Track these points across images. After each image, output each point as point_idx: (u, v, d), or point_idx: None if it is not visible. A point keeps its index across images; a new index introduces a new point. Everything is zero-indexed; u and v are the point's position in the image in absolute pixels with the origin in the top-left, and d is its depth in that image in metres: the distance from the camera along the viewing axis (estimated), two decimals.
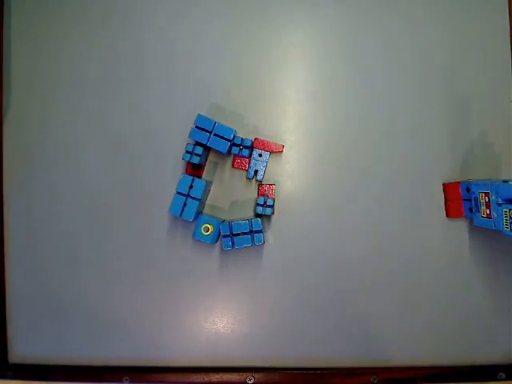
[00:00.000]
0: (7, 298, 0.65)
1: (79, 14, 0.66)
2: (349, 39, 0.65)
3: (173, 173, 0.64)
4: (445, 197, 0.65)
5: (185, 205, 0.59)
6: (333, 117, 0.65)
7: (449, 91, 0.65)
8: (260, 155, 0.63)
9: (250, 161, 0.63)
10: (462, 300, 0.64)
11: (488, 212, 0.58)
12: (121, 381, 0.63)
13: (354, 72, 0.65)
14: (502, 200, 0.55)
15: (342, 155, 0.65)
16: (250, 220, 0.59)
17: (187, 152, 0.60)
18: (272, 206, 0.61)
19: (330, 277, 0.64)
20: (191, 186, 0.59)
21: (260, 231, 0.59)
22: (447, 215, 0.64)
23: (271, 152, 0.63)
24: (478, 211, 0.59)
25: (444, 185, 0.65)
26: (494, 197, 0.56)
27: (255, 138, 0.63)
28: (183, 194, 0.59)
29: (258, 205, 0.60)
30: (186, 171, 0.63)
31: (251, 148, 0.63)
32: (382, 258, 0.64)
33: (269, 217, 0.64)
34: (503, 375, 0.63)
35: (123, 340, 0.65)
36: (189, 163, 0.62)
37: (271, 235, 0.64)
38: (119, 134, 0.65)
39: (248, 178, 0.64)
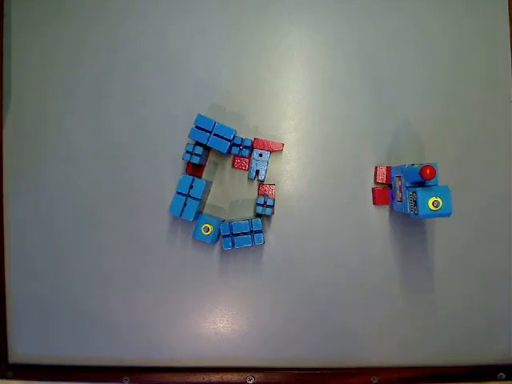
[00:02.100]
0: (7, 298, 0.65)
1: (77, 15, 0.66)
2: (349, 39, 0.65)
3: (173, 173, 0.64)
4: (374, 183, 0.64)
5: (185, 205, 0.58)
6: (333, 117, 0.65)
7: (449, 91, 0.65)
8: (260, 155, 0.63)
9: (250, 161, 0.63)
10: (462, 300, 0.64)
11: (401, 196, 0.57)
12: (121, 381, 0.63)
13: (354, 72, 0.65)
14: (410, 183, 0.55)
15: (342, 155, 0.65)
16: (250, 220, 0.59)
17: (187, 152, 0.60)
18: (272, 206, 0.61)
19: (330, 277, 0.64)
20: (191, 186, 0.59)
21: (260, 231, 0.59)
22: (373, 202, 0.64)
23: (271, 151, 0.63)
24: (396, 196, 0.58)
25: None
26: (404, 180, 0.56)
27: (255, 138, 0.63)
28: (183, 194, 0.59)
29: (258, 205, 0.60)
30: (186, 171, 0.63)
31: (251, 148, 0.63)
32: (382, 258, 0.64)
33: (269, 217, 0.64)
34: (503, 375, 0.63)
35: (123, 340, 0.65)
36: (189, 163, 0.62)
37: (271, 235, 0.64)
38: (119, 134, 0.65)
39: (249, 179, 0.64)
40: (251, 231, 0.59)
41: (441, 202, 0.51)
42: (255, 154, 0.63)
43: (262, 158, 0.63)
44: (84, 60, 0.65)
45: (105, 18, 0.66)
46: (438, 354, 0.64)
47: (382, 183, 0.63)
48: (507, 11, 0.65)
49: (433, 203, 0.51)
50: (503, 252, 0.64)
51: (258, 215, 0.62)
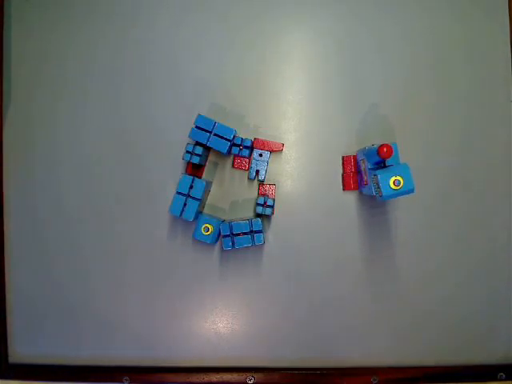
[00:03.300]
0: (7, 298, 0.65)
1: (82, 14, 0.66)
2: (348, 40, 0.65)
3: (173, 173, 0.64)
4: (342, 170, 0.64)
5: (185, 205, 0.58)
6: (333, 117, 0.65)
7: (449, 91, 0.65)
8: (260, 155, 0.63)
9: (250, 161, 0.63)
10: (462, 300, 0.64)
11: (365, 178, 0.57)
12: (121, 381, 0.63)
13: (354, 72, 0.65)
14: (372, 165, 0.55)
15: (342, 155, 0.64)
16: (250, 220, 0.59)
17: (187, 152, 0.60)
18: (272, 206, 0.61)
19: (330, 276, 0.64)
20: (191, 186, 0.59)
21: (260, 231, 0.59)
22: (343, 188, 0.64)
23: (271, 151, 0.63)
24: (363, 179, 0.58)
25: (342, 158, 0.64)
26: (367, 163, 0.56)
27: (255, 138, 0.63)
28: (183, 194, 0.59)
29: (258, 204, 0.60)
30: (186, 171, 0.63)
31: (251, 148, 0.63)
32: (383, 258, 0.64)
33: (269, 217, 0.64)
34: (503, 375, 0.63)
35: (123, 340, 0.65)
36: (189, 163, 0.62)
37: (271, 235, 0.64)
38: (119, 134, 0.65)
39: (249, 179, 0.64)
40: (251, 231, 0.59)
41: (401, 180, 0.51)
42: (255, 154, 0.63)
43: (262, 158, 0.63)
44: (86, 60, 0.65)
45: (110, 19, 0.65)
46: (438, 353, 0.64)
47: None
48: (507, 11, 0.65)
49: (394, 182, 0.51)
50: (503, 252, 0.64)
51: (258, 215, 0.62)
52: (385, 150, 0.50)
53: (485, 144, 0.65)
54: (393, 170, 0.51)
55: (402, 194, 0.52)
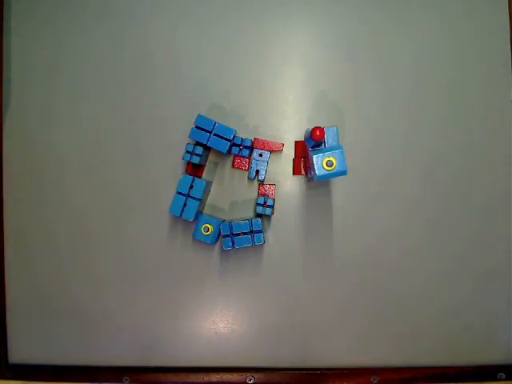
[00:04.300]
0: (7, 298, 0.65)
1: (81, 12, 0.66)
2: (349, 39, 0.65)
3: (173, 173, 0.64)
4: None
5: (185, 205, 0.58)
6: (333, 117, 0.65)
7: (449, 91, 0.65)
8: (260, 155, 0.63)
9: (250, 161, 0.63)
10: (462, 300, 0.64)
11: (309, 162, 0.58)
12: (121, 381, 0.63)
13: (354, 72, 0.65)
14: (311, 148, 0.56)
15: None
16: (250, 220, 0.59)
17: (187, 152, 0.60)
18: (272, 206, 0.61)
19: (330, 276, 0.64)
20: (191, 186, 0.59)
21: (260, 231, 0.59)
22: (292, 173, 0.64)
23: (271, 151, 0.63)
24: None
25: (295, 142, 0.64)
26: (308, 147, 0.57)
27: (255, 138, 0.63)
28: (183, 194, 0.59)
29: (258, 204, 0.60)
30: (186, 171, 0.63)
31: (251, 148, 0.63)
32: (383, 259, 0.64)
33: (269, 217, 0.64)
34: (503, 375, 0.63)
35: (123, 340, 0.65)
36: (189, 163, 0.62)
37: (271, 235, 0.64)
38: (119, 134, 0.65)
39: (249, 179, 0.64)
40: (251, 231, 0.59)
41: (334, 161, 0.52)
42: (255, 154, 0.63)
43: (262, 158, 0.63)
44: (86, 60, 0.65)
45: (109, 18, 0.65)
46: (438, 354, 0.64)
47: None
48: (507, 11, 0.65)
49: (326, 163, 0.52)
50: (504, 251, 0.64)
51: (258, 215, 0.62)
52: (317, 132, 0.52)
53: (485, 144, 0.65)
54: (326, 151, 0.53)
55: (335, 176, 0.53)
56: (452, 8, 0.65)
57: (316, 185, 0.64)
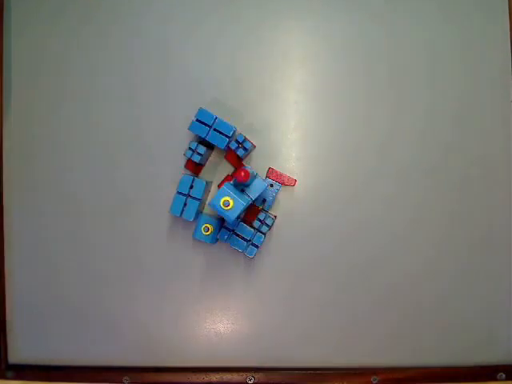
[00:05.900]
0: (7, 297, 0.65)
1: (87, 12, 0.65)
2: (349, 38, 0.65)
3: (173, 173, 0.64)
4: None
5: (185, 205, 0.59)
6: (333, 117, 0.65)
7: (448, 91, 0.65)
8: (271, 185, 0.63)
9: (242, 163, 0.63)
10: (462, 300, 0.64)
11: None
12: (121, 381, 0.63)
13: (355, 71, 0.65)
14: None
15: (343, 155, 0.65)
16: (255, 231, 0.60)
17: (189, 149, 0.60)
18: (269, 226, 0.61)
19: (331, 278, 0.64)
20: (191, 186, 0.59)
21: (257, 246, 0.60)
22: None
23: (283, 184, 0.63)
24: None
25: None
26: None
27: (269, 168, 0.63)
28: (183, 194, 0.59)
29: (257, 219, 0.61)
30: (186, 166, 0.62)
31: (248, 151, 0.62)
32: (383, 259, 0.64)
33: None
34: (503, 375, 0.63)
35: (123, 340, 0.65)
36: (189, 160, 0.62)
37: (271, 235, 0.64)
38: (118, 134, 0.65)
39: (255, 206, 0.63)
40: (250, 241, 0.60)
41: (231, 204, 0.53)
42: (267, 183, 0.62)
43: (273, 189, 0.63)
44: (88, 60, 0.65)
45: (108, 18, 0.65)
46: (438, 354, 0.64)
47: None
48: (507, 11, 0.65)
49: (224, 202, 0.53)
50: (504, 251, 0.64)
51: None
52: (242, 174, 0.53)
53: (485, 144, 0.65)
54: (234, 193, 0.53)
55: (223, 215, 0.53)
56: (452, 8, 0.65)
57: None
